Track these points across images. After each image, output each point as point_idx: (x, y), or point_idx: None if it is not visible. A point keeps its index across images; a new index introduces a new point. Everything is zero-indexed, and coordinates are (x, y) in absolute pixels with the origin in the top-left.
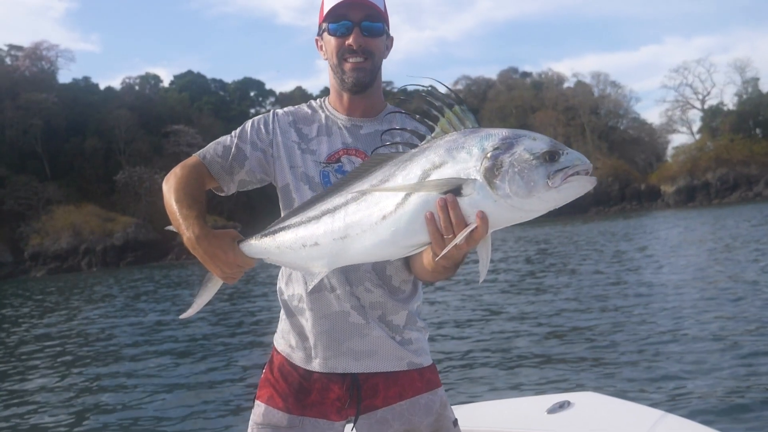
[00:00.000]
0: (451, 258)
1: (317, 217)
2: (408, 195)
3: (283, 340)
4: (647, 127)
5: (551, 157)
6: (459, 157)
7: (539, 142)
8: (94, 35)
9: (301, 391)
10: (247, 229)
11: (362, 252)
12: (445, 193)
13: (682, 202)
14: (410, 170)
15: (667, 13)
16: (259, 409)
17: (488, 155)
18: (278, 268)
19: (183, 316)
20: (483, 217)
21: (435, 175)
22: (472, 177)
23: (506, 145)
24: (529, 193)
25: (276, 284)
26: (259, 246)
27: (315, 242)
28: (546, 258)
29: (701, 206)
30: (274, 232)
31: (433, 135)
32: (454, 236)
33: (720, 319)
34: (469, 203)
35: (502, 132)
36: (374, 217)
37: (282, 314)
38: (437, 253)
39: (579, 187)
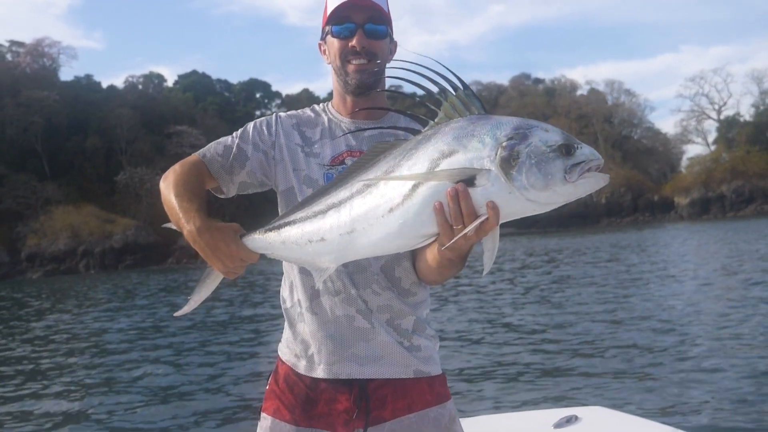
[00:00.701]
0: (458, 249)
1: (323, 212)
2: (416, 185)
3: (288, 349)
4: (661, 136)
5: (567, 150)
6: (470, 145)
7: (552, 134)
8: (97, 32)
9: (308, 402)
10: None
11: (370, 245)
12: (456, 182)
13: (696, 214)
14: (416, 159)
15: (685, 22)
16: (265, 422)
17: (503, 145)
18: (281, 272)
19: (178, 313)
20: (495, 208)
21: (444, 164)
22: (487, 167)
23: (520, 135)
24: (546, 186)
25: (278, 291)
26: (263, 241)
27: (321, 237)
28: (555, 270)
29: (715, 219)
30: (279, 227)
31: (436, 120)
32: (464, 227)
33: (732, 336)
34: (482, 194)
35: (513, 120)
36: (381, 209)
37: (286, 323)
38: (445, 243)
39: (594, 183)
